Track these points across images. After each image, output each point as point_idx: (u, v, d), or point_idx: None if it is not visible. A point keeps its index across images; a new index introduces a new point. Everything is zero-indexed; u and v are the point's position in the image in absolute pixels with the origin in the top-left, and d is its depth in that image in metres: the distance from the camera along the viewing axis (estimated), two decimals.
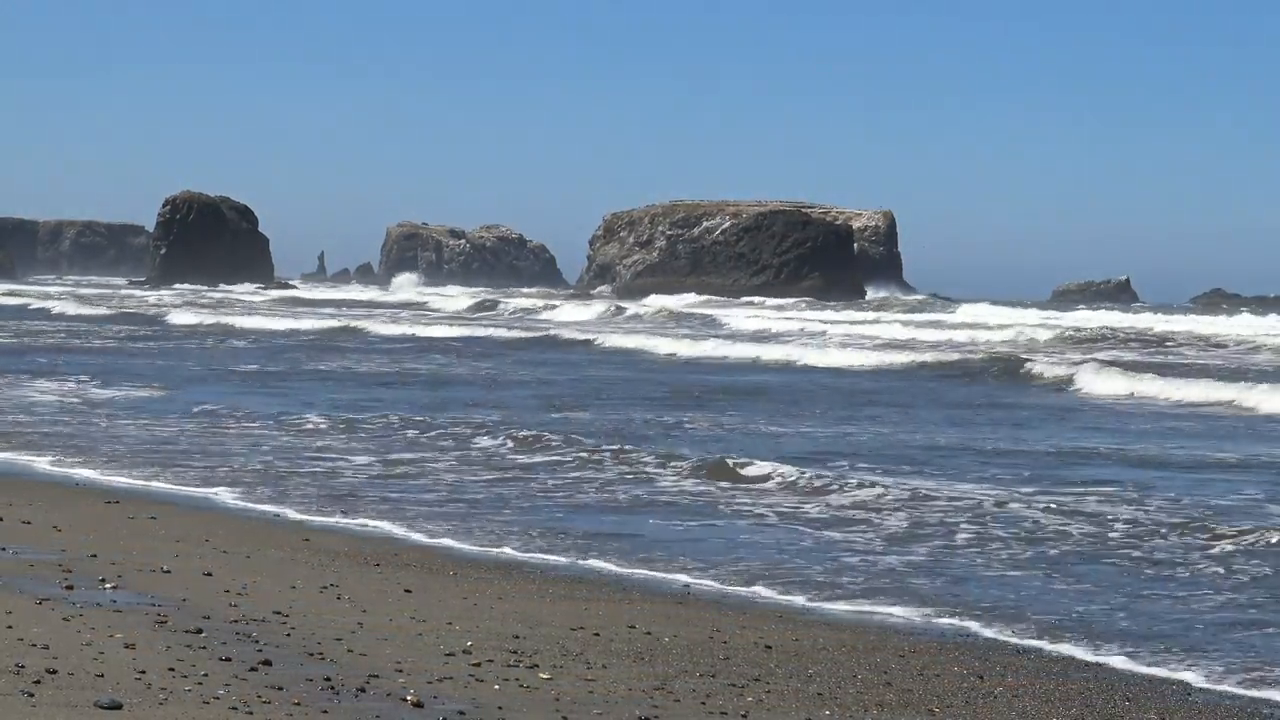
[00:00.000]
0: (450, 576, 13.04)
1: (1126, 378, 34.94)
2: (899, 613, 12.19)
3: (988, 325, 65.27)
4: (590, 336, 54.55)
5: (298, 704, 8.42)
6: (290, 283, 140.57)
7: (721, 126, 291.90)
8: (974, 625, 11.77)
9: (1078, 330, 60.21)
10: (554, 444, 22.14)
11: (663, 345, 50.04)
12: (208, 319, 67.17)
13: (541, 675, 9.50)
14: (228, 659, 9.32)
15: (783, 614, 12.03)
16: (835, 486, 18.31)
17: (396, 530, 15.54)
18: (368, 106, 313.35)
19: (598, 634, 10.85)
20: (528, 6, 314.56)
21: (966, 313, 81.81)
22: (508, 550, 14.55)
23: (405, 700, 8.68)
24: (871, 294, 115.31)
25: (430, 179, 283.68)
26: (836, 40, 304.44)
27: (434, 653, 9.97)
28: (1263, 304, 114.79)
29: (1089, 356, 43.94)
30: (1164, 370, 38.28)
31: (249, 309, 78.79)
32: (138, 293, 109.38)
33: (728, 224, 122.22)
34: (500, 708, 8.68)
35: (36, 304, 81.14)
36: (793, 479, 18.73)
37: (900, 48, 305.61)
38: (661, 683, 9.54)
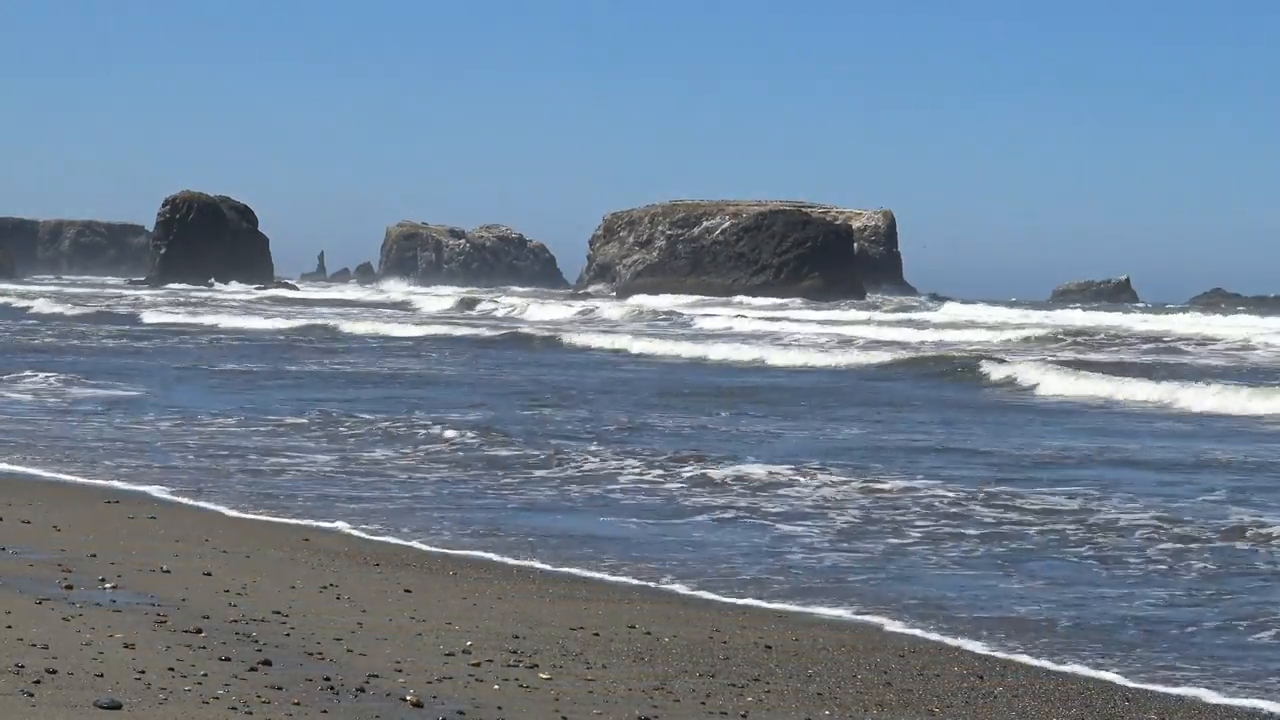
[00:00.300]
0: (450, 576, 13.04)
1: (1074, 377, 34.97)
2: (828, 612, 12.17)
3: (956, 325, 66.14)
4: (556, 335, 55.05)
5: (298, 704, 8.42)
6: (289, 283, 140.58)
7: (721, 126, 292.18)
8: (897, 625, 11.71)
9: (1057, 329, 61.08)
10: (500, 441, 22.31)
11: (617, 343, 50.44)
12: (181, 318, 67.57)
13: (541, 675, 9.50)
14: (227, 659, 9.31)
15: (782, 614, 12.03)
16: (786, 482, 18.56)
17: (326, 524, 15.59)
18: (368, 106, 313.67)
19: (598, 634, 10.84)
20: (527, 6, 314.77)
21: (949, 312, 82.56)
22: (441, 549, 14.52)
23: (405, 700, 8.68)
24: (871, 294, 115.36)
25: (430, 179, 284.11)
26: (836, 40, 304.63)
27: (434, 653, 9.96)
28: (1263, 304, 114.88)
29: (1048, 357, 43.87)
30: (1127, 370, 38.15)
31: (216, 307, 79.59)
32: (127, 292, 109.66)
33: (728, 224, 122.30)
34: (500, 708, 8.68)
35: (18, 303, 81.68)
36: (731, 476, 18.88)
37: (900, 48, 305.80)
38: (661, 683, 9.54)
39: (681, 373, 39.90)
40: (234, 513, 16.23)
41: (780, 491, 18.19)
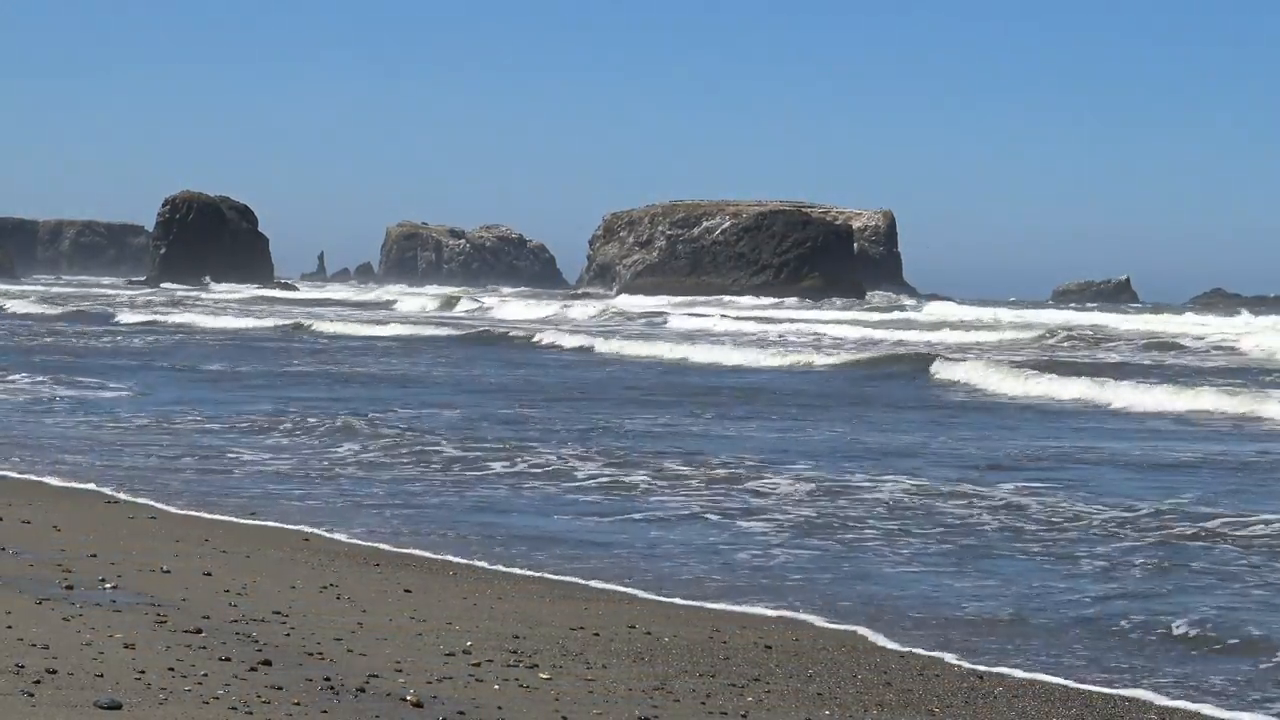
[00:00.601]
0: (450, 576, 13.04)
1: (1018, 377, 35.11)
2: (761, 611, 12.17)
3: (930, 325, 66.65)
4: (524, 334, 55.35)
5: (298, 704, 8.41)
6: (289, 283, 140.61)
7: (721, 126, 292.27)
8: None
9: (1042, 328, 61.60)
10: (451, 439, 22.38)
11: (582, 342, 50.64)
12: (158, 317, 67.62)
13: (541, 675, 9.50)
14: (227, 659, 9.31)
15: (781, 615, 12.02)
16: (739, 479, 18.73)
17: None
18: (368, 106, 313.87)
19: (598, 634, 10.84)
20: (527, 6, 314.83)
21: (932, 311, 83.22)
22: (384, 546, 14.52)
23: (405, 700, 8.68)
24: (872, 294, 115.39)
25: (430, 179, 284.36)
26: (836, 40, 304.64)
27: (434, 653, 9.96)
28: (1263, 304, 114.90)
29: (1008, 357, 43.89)
30: (1085, 370, 38.02)
31: (189, 306, 79.96)
32: (113, 291, 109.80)
33: (728, 224, 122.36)
34: (500, 708, 8.68)
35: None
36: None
37: (900, 48, 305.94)
38: (661, 683, 9.54)
39: (591, 370, 39.92)
40: (176, 510, 16.23)
41: (732, 490, 18.17)
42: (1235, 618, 11.80)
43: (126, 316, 67.86)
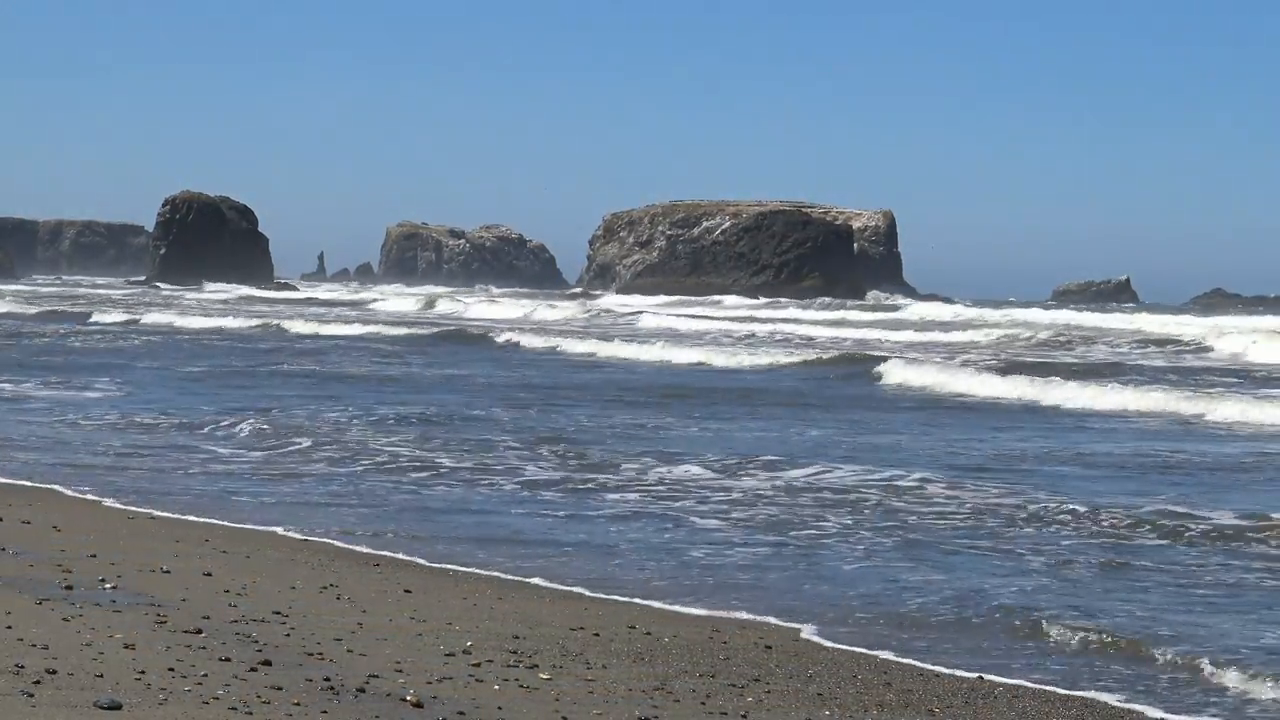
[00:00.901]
0: (450, 577, 13.04)
1: (957, 375, 35.40)
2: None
3: (900, 325, 67.38)
4: (488, 334, 55.77)
5: (298, 704, 8.41)
6: (289, 283, 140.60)
7: (721, 126, 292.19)
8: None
9: (1017, 326, 62.46)
10: (396, 435, 22.58)
11: (548, 342, 50.84)
12: (133, 316, 67.75)
13: (541, 675, 9.50)
14: (227, 659, 9.31)
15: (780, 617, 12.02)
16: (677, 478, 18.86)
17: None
18: (368, 106, 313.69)
19: (598, 634, 10.84)
20: (528, 6, 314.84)
21: (913, 311, 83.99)
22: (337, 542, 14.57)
23: (405, 700, 8.68)
24: (872, 294, 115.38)
25: (430, 179, 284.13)
26: (837, 40, 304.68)
27: (434, 653, 9.96)
28: (1263, 304, 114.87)
29: (966, 356, 44.11)
30: (1049, 370, 38.06)
31: (164, 306, 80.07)
32: (100, 291, 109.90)
33: (728, 224, 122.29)
34: (500, 708, 8.68)
35: None
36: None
37: (901, 47, 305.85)
38: (661, 683, 9.54)
39: (585, 371, 39.91)
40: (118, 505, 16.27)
41: (671, 489, 18.16)
42: (1158, 618, 11.80)
43: (102, 316, 67.83)
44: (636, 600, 12.32)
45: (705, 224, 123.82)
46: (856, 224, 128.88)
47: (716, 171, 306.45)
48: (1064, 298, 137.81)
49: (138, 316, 67.77)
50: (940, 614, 11.92)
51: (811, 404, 30.33)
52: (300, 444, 21.80)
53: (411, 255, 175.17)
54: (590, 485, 18.40)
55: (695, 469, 19.71)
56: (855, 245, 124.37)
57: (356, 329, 59.33)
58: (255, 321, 63.99)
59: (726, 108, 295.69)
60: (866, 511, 16.66)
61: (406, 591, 12.12)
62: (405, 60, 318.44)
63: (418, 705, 8.59)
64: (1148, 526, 15.74)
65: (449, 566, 13.51)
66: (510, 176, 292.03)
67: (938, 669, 10.35)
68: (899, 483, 18.62)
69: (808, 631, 11.33)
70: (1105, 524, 15.88)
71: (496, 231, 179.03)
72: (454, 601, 11.87)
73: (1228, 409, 27.87)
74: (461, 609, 11.56)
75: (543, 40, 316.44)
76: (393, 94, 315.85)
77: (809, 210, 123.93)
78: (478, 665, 9.64)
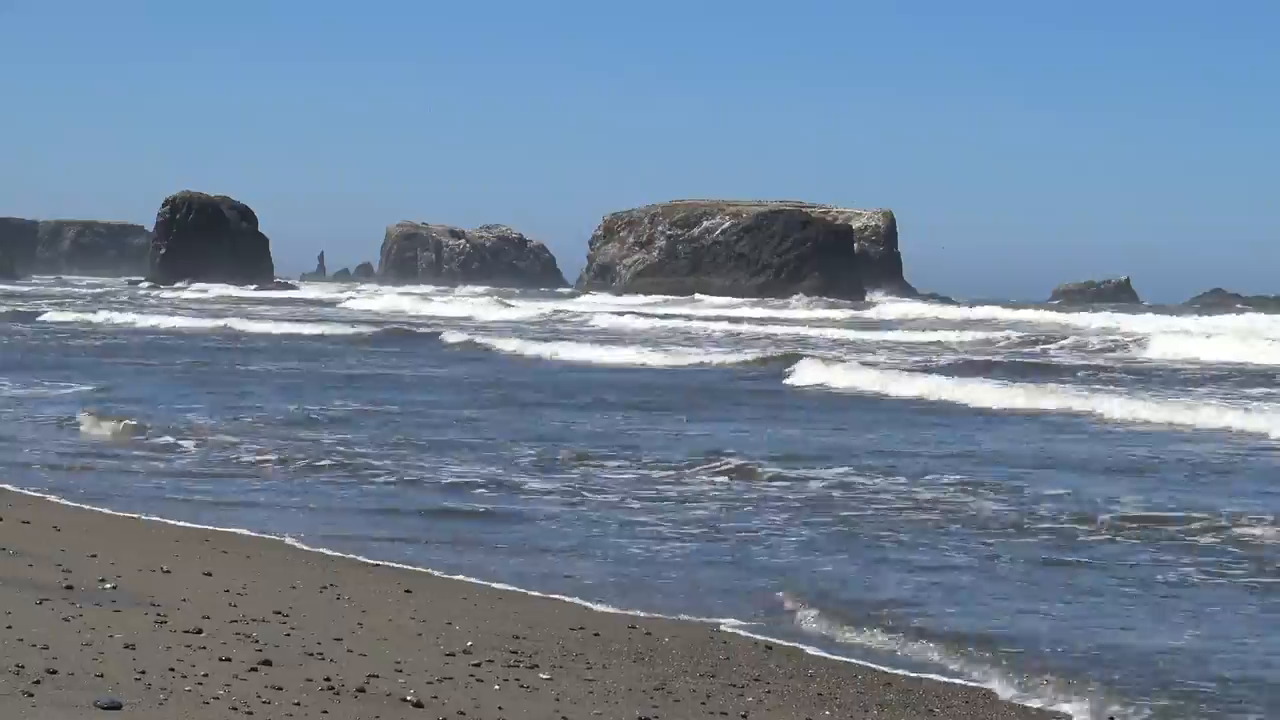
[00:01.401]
0: (449, 577, 13.03)
1: (855, 373, 35.74)
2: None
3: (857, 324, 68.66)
4: (433, 333, 56.23)
5: (298, 704, 8.41)
6: (289, 282, 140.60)
7: (722, 126, 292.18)
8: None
9: (987, 325, 63.95)
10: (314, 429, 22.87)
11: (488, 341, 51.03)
12: (86, 316, 67.43)
13: (541, 675, 9.50)
14: (227, 659, 9.31)
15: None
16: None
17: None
18: (368, 106, 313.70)
19: (598, 634, 10.85)
20: (528, 6, 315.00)
21: (893, 309, 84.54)
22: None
23: (405, 700, 8.68)
24: (871, 294, 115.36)
25: (430, 179, 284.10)
26: (836, 40, 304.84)
27: (434, 653, 9.96)
28: (1263, 304, 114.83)
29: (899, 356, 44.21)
30: (970, 370, 38.09)
31: (122, 305, 79.85)
32: (86, 290, 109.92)
33: (728, 224, 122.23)
34: (500, 708, 8.68)
35: None
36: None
37: (900, 47, 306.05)
38: (661, 683, 9.54)
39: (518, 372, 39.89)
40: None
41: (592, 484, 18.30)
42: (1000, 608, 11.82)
43: (49, 317, 67.54)
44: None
45: (705, 224, 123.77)
46: (856, 224, 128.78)
47: (716, 171, 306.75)
48: (1064, 297, 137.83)
49: (91, 316, 67.12)
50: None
51: (698, 403, 30.08)
52: (165, 440, 21.71)
53: (411, 255, 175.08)
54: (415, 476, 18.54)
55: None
56: (855, 245, 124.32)
57: (310, 328, 59.42)
58: (212, 322, 63.70)
59: (726, 107, 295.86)
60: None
61: (407, 592, 12.12)
62: (405, 59, 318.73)
63: (418, 705, 8.59)
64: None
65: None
66: (510, 176, 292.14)
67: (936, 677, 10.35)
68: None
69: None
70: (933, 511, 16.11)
71: (496, 231, 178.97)
72: (454, 601, 11.87)
73: (1112, 406, 28.54)
74: (461, 609, 11.56)
75: (543, 40, 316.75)
76: (393, 93, 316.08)
77: (809, 210, 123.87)
78: (478, 665, 9.64)
